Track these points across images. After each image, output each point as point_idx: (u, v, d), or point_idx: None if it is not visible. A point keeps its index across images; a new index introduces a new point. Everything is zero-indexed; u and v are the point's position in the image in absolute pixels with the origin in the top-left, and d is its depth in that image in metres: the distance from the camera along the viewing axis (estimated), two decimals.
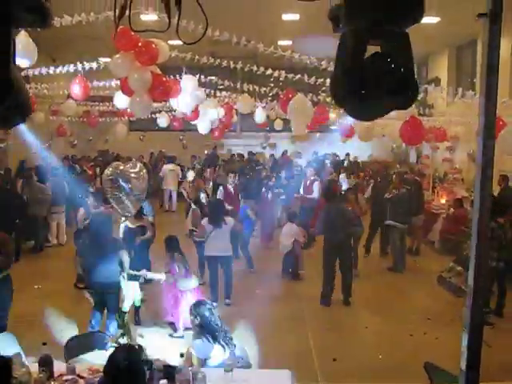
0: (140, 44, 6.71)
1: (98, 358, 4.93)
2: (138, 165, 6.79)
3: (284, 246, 10.61)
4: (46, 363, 4.37)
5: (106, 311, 7.33)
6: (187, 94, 8.66)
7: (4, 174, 14.81)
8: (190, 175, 15.61)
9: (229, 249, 9.07)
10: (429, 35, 12.33)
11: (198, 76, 9.30)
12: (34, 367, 4.37)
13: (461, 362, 2.75)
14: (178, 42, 2.98)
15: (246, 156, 21.62)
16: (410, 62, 2.37)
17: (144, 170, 6.64)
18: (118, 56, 6.91)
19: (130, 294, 7.70)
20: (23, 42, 6.54)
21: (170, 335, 7.74)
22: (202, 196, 11.16)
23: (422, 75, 20.00)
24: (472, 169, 14.51)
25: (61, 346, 5.14)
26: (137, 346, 4.20)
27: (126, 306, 7.58)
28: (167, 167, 18.02)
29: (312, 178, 13.53)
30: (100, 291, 7.26)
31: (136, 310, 8.18)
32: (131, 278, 7.61)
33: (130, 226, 8.76)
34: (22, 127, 14.69)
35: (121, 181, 7.06)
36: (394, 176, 13.36)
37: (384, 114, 2.36)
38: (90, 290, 7.74)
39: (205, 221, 9.08)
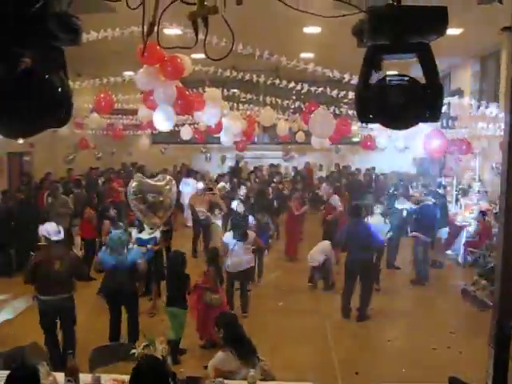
0: (166, 59, 6.80)
1: (122, 369, 4.98)
2: (167, 177, 6.85)
3: (314, 259, 10.53)
4: (72, 373, 4.42)
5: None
6: (211, 107, 8.75)
7: (26, 186, 15.03)
8: (200, 186, 14.46)
9: (251, 261, 9.07)
10: (451, 46, 12.26)
11: (221, 89, 9.39)
12: (60, 377, 4.43)
13: (487, 377, 2.73)
14: (201, 56, 3.03)
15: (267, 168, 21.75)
16: (435, 74, 2.38)
17: (172, 183, 6.67)
18: (143, 70, 7.02)
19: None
20: None
21: (203, 346, 7.71)
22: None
23: (444, 87, 19.81)
24: (496, 181, 14.35)
25: (86, 356, 5.18)
26: (161, 358, 4.22)
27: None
28: (185, 181, 17.87)
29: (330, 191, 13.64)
30: (117, 298, 7.41)
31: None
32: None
33: (143, 237, 8.86)
34: (47, 140, 14.95)
35: (144, 193, 7.13)
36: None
37: (409, 128, 2.37)
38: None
39: (227, 235, 9.03)
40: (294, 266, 12.23)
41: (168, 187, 6.51)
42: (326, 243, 10.61)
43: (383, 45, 2.33)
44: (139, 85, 7.36)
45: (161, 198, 6.38)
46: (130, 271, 7.22)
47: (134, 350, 4.46)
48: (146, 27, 2.75)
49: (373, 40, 2.38)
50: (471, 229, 12.89)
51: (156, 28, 2.58)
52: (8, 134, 2.40)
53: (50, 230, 6.84)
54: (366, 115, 2.39)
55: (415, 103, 2.31)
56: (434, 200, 11.98)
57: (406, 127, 2.48)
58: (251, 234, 8.98)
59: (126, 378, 4.64)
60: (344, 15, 2.45)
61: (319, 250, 10.55)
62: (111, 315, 7.47)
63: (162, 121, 8.04)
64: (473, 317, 9.18)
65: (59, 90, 2.17)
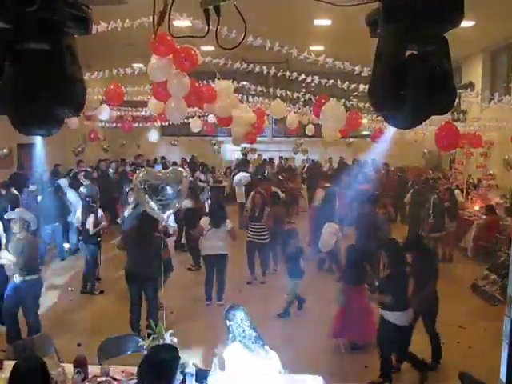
0: (179, 50, 6.76)
1: (131, 361, 4.99)
2: (178, 169, 6.81)
3: (325, 244, 10.53)
4: (80, 364, 4.43)
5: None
6: (223, 99, 8.73)
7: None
8: None
9: (224, 247, 9.38)
10: (463, 39, 12.17)
11: (231, 81, 9.35)
12: (68, 368, 4.44)
13: (500, 373, 2.69)
14: (211, 48, 3.00)
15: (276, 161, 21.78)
16: (448, 66, 2.34)
17: (183, 175, 6.58)
18: (155, 61, 6.96)
19: None
20: None
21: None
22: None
23: (455, 80, 19.61)
24: (507, 175, 14.26)
25: (95, 347, 5.19)
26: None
27: None
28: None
29: None
30: (139, 280, 7.81)
31: None
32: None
33: None
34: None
35: (149, 184, 7.04)
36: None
37: (423, 121, 2.34)
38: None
39: (203, 221, 9.44)
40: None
41: (177, 179, 6.43)
42: (334, 225, 10.58)
43: (399, 34, 2.29)
44: (151, 76, 7.30)
45: (168, 190, 6.30)
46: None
47: (142, 342, 4.47)
48: (156, 17, 2.73)
49: (387, 29, 2.34)
50: (480, 222, 12.83)
51: (167, 17, 2.56)
52: (25, 130, 2.34)
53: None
54: (379, 103, 2.36)
55: (428, 95, 2.27)
56: (439, 193, 11.95)
57: (416, 122, 2.44)
58: (227, 223, 9.39)
59: (135, 369, 4.66)
60: (358, 4, 2.41)
61: (329, 233, 10.50)
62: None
63: (174, 113, 8.01)
64: (483, 311, 9.14)
65: (76, 78, 2.15)
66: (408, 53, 2.26)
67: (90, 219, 10.08)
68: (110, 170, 17.87)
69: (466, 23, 12.39)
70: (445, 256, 12.48)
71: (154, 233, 7.89)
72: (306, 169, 21.17)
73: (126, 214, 10.35)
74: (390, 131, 14.46)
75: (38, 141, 12.60)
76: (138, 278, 7.82)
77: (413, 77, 2.19)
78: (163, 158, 21.78)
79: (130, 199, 10.41)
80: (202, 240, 9.52)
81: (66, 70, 2.06)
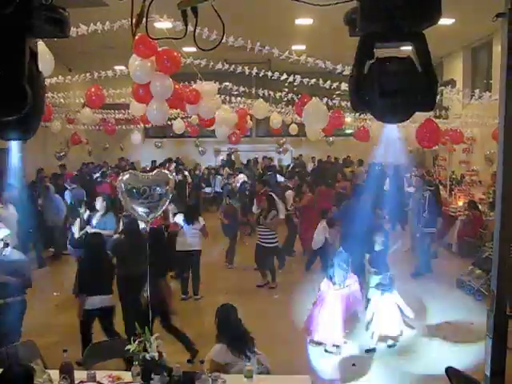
0: (161, 52, 6.74)
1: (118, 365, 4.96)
2: (162, 171, 6.77)
3: (317, 241, 10.58)
4: (66, 370, 4.39)
5: None
6: (206, 100, 8.72)
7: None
8: None
9: (198, 244, 9.63)
10: (443, 37, 12.24)
11: (214, 82, 9.34)
12: (54, 374, 4.40)
13: (485, 367, 2.71)
14: (192, 49, 2.99)
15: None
16: (428, 62, 2.35)
17: (169, 176, 6.53)
18: (138, 63, 6.91)
19: None
20: (40, 52, 6.57)
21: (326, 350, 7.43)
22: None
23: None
24: (489, 170, 14.39)
25: (81, 352, 5.15)
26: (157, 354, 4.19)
27: None
28: None
29: None
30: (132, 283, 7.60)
31: None
32: None
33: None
34: (39, 135, 14.74)
35: (131, 187, 6.96)
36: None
37: (404, 119, 2.35)
38: None
39: (177, 218, 9.79)
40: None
41: (163, 181, 6.38)
42: (323, 222, 10.61)
43: (376, 33, 2.30)
44: (134, 78, 7.25)
45: (153, 192, 6.25)
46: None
47: (128, 346, 4.44)
48: (134, 19, 2.71)
49: (365, 28, 2.34)
50: (464, 218, 12.93)
51: (145, 19, 2.54)
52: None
53: None
54: (360, 105, 2.36)
55: (410, 92, 2.28)
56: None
57: (401, 118, 2.45)
58: (200, 221, 9.74)
59: (122, 373, 4.64)
60: (336, 3, 2.42)
61: (319, 230, 10.53)
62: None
63: (156, 115, 7.97)
64: (468, 306, 9.19)
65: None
66: (387, 51, 2.27)
67: (76, 223, 9.90)
68: (97, 174, 17.75)
69: (446, 21, 12.48)
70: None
71: (141, 238, 7.57)
72: (290, 168, 21.22)
73: (95, 222, 9.66)
74: (374, 129, 14.57)
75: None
76: (131, 281, 7.63)
77: (392, 75, 2.19)
78: (178, 159, 21.54)
79: (98, 205, 9.80)
80: (177, 237, 9.69)
81: (27, 72, 2.03)
